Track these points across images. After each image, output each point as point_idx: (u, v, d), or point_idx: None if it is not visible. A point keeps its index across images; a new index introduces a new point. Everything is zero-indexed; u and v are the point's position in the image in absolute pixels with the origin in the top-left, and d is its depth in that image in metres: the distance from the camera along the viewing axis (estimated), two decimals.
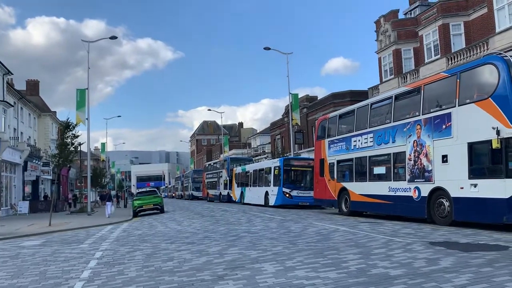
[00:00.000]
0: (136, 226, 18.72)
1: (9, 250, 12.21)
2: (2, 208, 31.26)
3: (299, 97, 38.16)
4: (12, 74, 35.35)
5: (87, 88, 30.17)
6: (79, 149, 29.66)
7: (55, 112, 52.57)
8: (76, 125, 25.97)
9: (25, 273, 8.52)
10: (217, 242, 11.32)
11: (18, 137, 36.76)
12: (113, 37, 31.08)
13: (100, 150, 68.85)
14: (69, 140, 24.63)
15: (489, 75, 11.76)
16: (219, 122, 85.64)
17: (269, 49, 35.26)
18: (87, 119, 29.90)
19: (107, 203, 27.27)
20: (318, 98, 46.16)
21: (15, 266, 9.35)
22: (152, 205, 27.39)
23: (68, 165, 37.51)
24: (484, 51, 21.26)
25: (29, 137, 41.98)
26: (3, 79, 33.24)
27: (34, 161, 38.95)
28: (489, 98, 11.47)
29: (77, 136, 25.22)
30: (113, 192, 44.76)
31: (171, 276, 7.37)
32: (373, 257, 8.05)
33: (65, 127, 25.06)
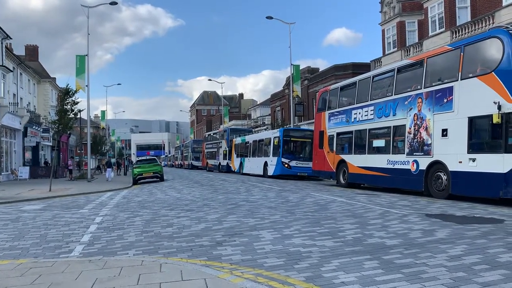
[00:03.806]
0: (135, 193, 18.89)
1: (10, 214, 12.35)
2: (2, 173, 31.45)
3: (300, 68, 37.80)
4: (11, 38, 34.87)
5: (86, 55, 29.83)
6: (79, 116, 29.60)
7: (54, 78, 52.17)
8: (76, 91, 25.82)
9: (26, 235, 8.64)
10: (216, 210, 11.45)
11: (17, 103, 36.58)
12: (113, 3, 30.42)
13: (100, 117, 68.76)
14: (68, 106, 24.56)
15: (493, 49, 11.62)
16: (219, 92, 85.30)
17: (271, 18, 34.69)
18: (86, 86, 29.66)
19: (108, 169, 30.73)
20: (320, 70, 45.76)
21: (16, 229, 9.48)
22: (152, 173, 27.57)
23: (68, 132, 37.61)
24: (489, 25, 20.92)
25: (29, 103, 41.79)
26: (1, 43, 32.81)
27: (34, 127, 38.92)
28: (492, 72, 11.37)
29: (77, 103, 25.15)
30: (113, 160, 45.09)
31: (170, 241, 7.49)
32: (369, 227, 8.16)
33: (65, 93, 24.96)
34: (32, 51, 48.75)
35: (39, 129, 40.40)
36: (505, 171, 10.81)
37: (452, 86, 12.67)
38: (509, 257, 5.66)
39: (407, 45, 28.92)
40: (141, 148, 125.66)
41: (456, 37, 23.23)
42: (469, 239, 6.89)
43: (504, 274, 4.92)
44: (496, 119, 10.92)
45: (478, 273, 4.99)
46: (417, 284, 4.64)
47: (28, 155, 40.04)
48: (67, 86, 25.62)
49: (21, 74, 39.18)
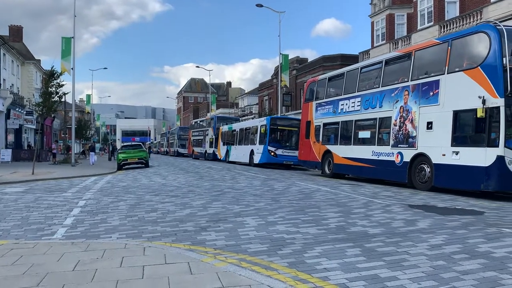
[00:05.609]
0: (120, 178, 18.76)
1: None
2: None
3: (289, 58, 37.70)
4: None
5: (72, 37, 29.31)
6: (63, 99, 29.11)
7: (39, 60, 51.20)
8: (61, 73, 25.36)
9: (7, 217, 8.54)
10: (201, 196, 11.44)
11: (0, 84, 35.89)
12: None
13: (85, 102, 67.91)
14: (53, 89, 24.12)
15: (480, 43, 11.73)
16: (207, 80, 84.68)
17: (261, 6, 34.40)
18: (72, 68, 29.19)
19: (91, 153, 31.93)
20: (308, 61, 45.73)
21: None
22: (137, 159, 27.34)
23: (52, 115, 37.06)
24: (477, 20, 21.12)
25: (12, 84, 41.00)
26: None
27: (17, 109, 38.27)
28: (478, 67, 11.49)
29: (62, 85, 24.69)
30: (98, 145, 44.75)
31: (154, 226, 7.47)
32: (353, 216, 8.25)
33: (50, 75, 24.51)
34: (17, 31, 47.71)
35: (22, 111, 39.74)
36: (487, 164, 11.00)
37: (439, 80, 12.78)
38: (488, 247, 5.78)
39: (395, 38, 29.04)
40: (127, 134, 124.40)
41: (444, 32, 23.40)
42: (450, 229, 7.01)
43: (482, 263, 5.02)
44: (480, 113, 11.06)
45: (458, 262, 5.08)
46: (398, 271, 4.71)
47: (11, 137, 39.38)
48: (52, 68, 25.15)
49: (4, 54, 38.36)
